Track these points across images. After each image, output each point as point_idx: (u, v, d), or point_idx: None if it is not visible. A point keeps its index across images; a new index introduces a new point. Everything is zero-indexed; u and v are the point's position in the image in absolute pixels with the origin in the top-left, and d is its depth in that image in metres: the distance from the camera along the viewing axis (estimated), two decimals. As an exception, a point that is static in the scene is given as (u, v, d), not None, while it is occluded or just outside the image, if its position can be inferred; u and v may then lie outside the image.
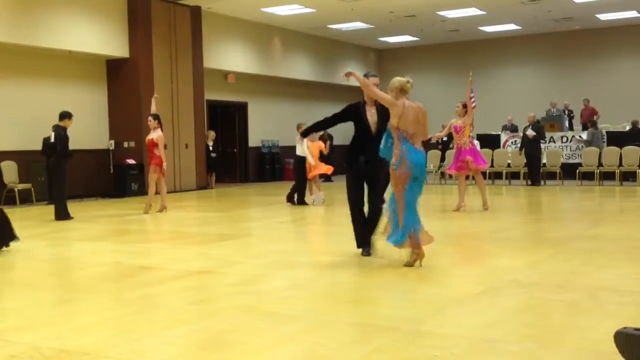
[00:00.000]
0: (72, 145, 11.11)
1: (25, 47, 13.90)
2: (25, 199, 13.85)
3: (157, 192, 11.78)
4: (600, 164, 16.45)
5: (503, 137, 18.68)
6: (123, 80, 15.93)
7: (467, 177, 11.81)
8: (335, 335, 4.14)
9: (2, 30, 13.20)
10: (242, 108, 20.51)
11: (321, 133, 13.75)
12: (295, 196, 12.56)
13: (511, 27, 21.69)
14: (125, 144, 15.95)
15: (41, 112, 13.83)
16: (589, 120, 18.51)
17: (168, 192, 12.73)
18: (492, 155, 17.37)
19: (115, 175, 15.76)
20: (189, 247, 7.95)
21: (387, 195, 6.26)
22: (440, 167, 17.86)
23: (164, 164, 11.63)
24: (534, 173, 16.51)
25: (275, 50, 20.88)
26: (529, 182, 16.61)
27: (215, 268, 6.53)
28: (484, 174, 12.72)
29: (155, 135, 11.55)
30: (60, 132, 10.86)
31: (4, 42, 13.33)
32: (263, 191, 17.10)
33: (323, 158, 13.20)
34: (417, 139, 6.10)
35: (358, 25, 20.59)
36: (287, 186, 13.60)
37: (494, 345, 3.87)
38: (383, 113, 6.38)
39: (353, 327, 4.39)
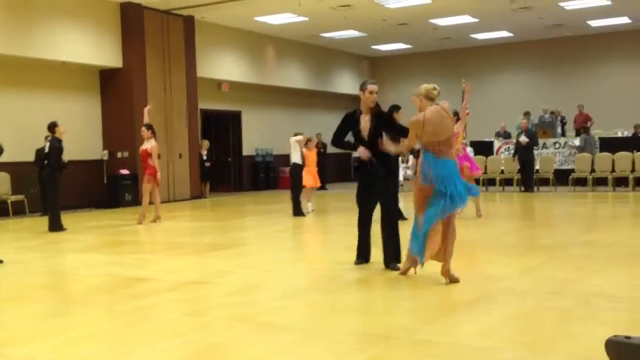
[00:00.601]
0: (66, 155, 11.07)
1: (18, 57, 13.88)
2: (18, 210, 13.80)
3: (150, 202, 11.77)
4: (592, 170, 16.53)
5: (496, 144, 18.75)
6: (116, 91, 15.91)
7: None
8: (331, 345, 4.14)
9: (-6, 42, 13.20)
10: (235, 117, 20.50)
11: (316, 141, 13.77)
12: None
13: (503, 34, 21.79)
14: (119, 154, 15.90)
15: (34, 123, 13.76)
16: (582, 127, 18.58)
17: (162, 202, 12.72)
18: (486, 162, 17.43)
19: (108, 186, 15.71)
20: (183, 258, 7.94)
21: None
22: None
23: (159, 174, 11.63)
24: (527, 179, 16.57)
25: (269, 59, 20.92)
26: (522, 189, 16.66)
27: (209, 278, 6.52)
28: (477, 180, 12.73)
29: (149, 145, 11.55)
30: (55, 144, 10.81)
31: (-3, 54, 13.33)
32: (257, 200, 17.08)
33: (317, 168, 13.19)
34: (446, 147, 5.81)
35: (351, 33, 20.65)
36: (282, 195, 13.60)
37: (488, 353, 3.89)
38: (377, 120, 6.52)
39: (348, 337, 4.39)
